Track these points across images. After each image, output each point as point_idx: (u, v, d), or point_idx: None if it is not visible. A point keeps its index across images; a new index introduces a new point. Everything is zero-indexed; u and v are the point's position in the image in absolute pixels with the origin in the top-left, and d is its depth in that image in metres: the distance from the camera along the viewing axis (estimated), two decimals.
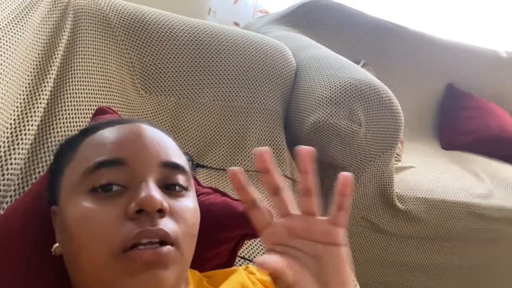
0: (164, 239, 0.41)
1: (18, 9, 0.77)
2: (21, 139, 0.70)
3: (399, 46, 1.88)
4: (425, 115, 1.91)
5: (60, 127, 0.78)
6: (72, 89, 0.84)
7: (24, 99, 0.74)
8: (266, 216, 0.42)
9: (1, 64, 0.67)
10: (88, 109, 0.85)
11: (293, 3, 1.86)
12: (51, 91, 0.80)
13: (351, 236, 1.28)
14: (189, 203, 0.47)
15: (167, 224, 0.42)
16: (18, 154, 0.68)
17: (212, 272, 0.57)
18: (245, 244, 0.79)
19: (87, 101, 0.86)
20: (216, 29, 1.14)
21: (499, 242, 1.46)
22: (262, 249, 0.80)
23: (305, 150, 0.41)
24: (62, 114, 0.79)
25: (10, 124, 0.69)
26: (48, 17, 0.86)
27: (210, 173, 1.01)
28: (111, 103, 0.92)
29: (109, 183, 0.43)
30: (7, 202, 0.64)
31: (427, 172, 1.46)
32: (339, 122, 1.05)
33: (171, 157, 0.48)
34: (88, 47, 0.92)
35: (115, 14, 1.01)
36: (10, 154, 0.67)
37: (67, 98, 0.82)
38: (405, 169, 1.42)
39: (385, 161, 1.17)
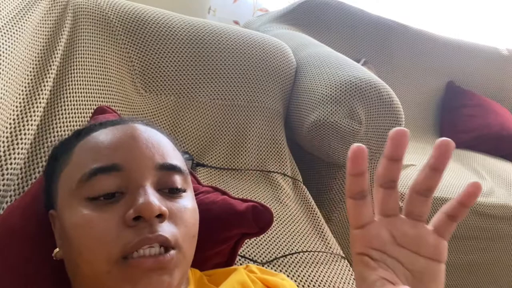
0: (165, 244, 0.41)
1: (17, 8, 0.76)
2: (21, 138, 0.70)
3: (399, 44, 1.87)
4: (426, 113, 1.91)
5: (60, 127, 0.78)
6: (72, 89, 0.84)
7: (23, 98, 0.73)
8: (371, 212, 0.35)
9: (1, 64, 0.67)
10: (88, 109, 0.85)
11: (293, 1, 1.85)
12: (50, 91, 0.80)
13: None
14: (187, 204, 0.47)
15: (166, 229, 0.42)
16: (18, 153, 0.68)
17: (213, 271, 0.57)
18: (245, 243, 0.79)
19: (87, 101, 0.86)
20: (216, 28, 1.13)
21: (500, 240, 1.46)
22: (262, 249, 0.80)
23: (446, 142, 0.33)
24: (62, 114, 0.79)
25: (10, 123, 0.69)
26: (48, 16, 0.86)
27: (210, 172, 1.01)
28: (111, 102, 0.92)
29: (106, 193, 0.43)
30: (7, 202, 0.64)
31: None
32: (340, 120, 1.05)
33: (166, 158, 0.47)
34: (88, 46, 0.92)
35: (114, 13, 1.00)
36: (10, 154, 0.67)
37: (67, 97, 0.82)
38: (406, 168, 1.42)
39: None
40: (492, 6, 2.36)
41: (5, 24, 0.71)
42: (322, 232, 0.92)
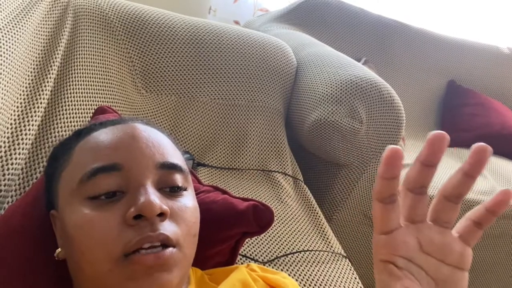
0: (166, 243, 0.41)
1: (18, 9, 0.77)
2: (22, 139, 0.70)
3: (400, 43, 1.87)
4: (427, 112, 1.91)
5: (61, 127, 0.78)
6: (73, 89, 0.84)
7: (24, 99, 0.74)
8: (398, 217, 0.33)
9: (1, 64, 0.67)
10: (89, 109, 0.85)
11: (293, 1, 1.85)
12: (51, 91, 0.80)
13: (353, 234, 1.28)
14: (188, 202, 0.47)
15: (167, 228, 0.42)
16: (19, 154, 0.68)
17: (213, 269, 0.57)
18: (246, 243, 0.79)
19: (88, 101, 0.86)
20: (216, 28, 1.14)
21: (501, 238, 1.46)
22: (263, 248, 0.80)
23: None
24: (63, 114, 0.79)
25: (11, 124, 0.69)
26: (48, 17, 0.86)
27: (211, 172, 1.01)
28: (112, 102, 0.92)
29: (108, 191, 0.43)
30: (8, 202, 0.64)
31: None
32: (340, 119, 1.05)
33: (167, 157, 0.47)
34: (88, 47, 0.92)
35: (115, 13, 1.01)
36: (11, 154, 0.67)
37: (68, 97, 0.82)
38: (406, 167, 1.42)
39: None
40: (493, 5, 2.36)
41: (6, 24, 0.71)
42: (323, 231, 0.92)
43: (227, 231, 0.60)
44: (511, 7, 2.39)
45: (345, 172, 1.16)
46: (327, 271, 0.80)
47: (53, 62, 0.83)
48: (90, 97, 0.87)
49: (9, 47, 0.70)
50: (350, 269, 0.84)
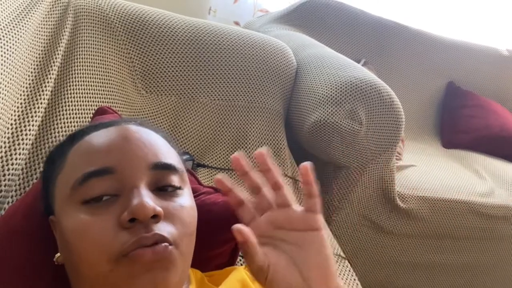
0: (161, 242, 0.41)
1: (18, 9, 0.77)
2: (22, 139, 0.70)
3: (399, 45, 1.87)
4: (426, 114, 1.91)
5: (61, 127, 0.78)
6: (73, 89, 0.84)
7: (25, 99, 0.74)
8: (252, 210, 0.44)
9: (2, 64, 0.67)
10: (89, 109, 0.85)
11: (293, 2, 1.86)
12: (51, 91, 0.80)
13: (352, 235, 1.28)
14: (184, 202, 0.46)
15: (162, 228, 0.42)
16: (19, 154, 0.68)
17: (213, 272, 0.57)
18: None
19: (88, 101, 0.86)
20: (216, 29, 1.14)
21: (500, 240, 1.46)
22: None
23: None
24: (63, 114, 0.79)
25: (11, 124, 0.69)
26: (49, 17, 0.86)
27: (211, 173, 1.01)
28: (112, 103, 0.93)
29: (100, 195, 0.43)
30: (8, 203, 0.64)
31: (428, 171, 1.46)
32: (340, 121, 1.05)
33: (160, 157, 0.47)
34: (89, 47, 0.92)
35: (115, 14, 1.01)
36: (11, 154, 0.67)
37: (68, 98, 0.82)
38: (406, 168, 1.42)
39: (386, 160, 1.16)
40: (492, 7, 2.36)
41: (6, 25, 0.71)
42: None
43: (227, 232, 0.59)
44: (510, 9, 2.39)
45: (344, 173, 1.17)
46: None
47: (54, 62, 0.83)
48: (90, 97, 0.87)
49: (10, 47, 0.70)
50: (349, 271, 0.84)
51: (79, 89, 0.85)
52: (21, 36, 0.74)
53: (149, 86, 1.03)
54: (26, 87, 0.75)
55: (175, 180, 0.47)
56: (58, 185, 0.47)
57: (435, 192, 1.33)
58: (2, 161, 0.65)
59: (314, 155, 1.16)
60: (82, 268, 0.43)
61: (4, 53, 0.68)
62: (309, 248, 0.42)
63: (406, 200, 1.28)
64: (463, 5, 2.32)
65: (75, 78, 0.86)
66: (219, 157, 1.06)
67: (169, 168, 0.47)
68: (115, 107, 0.93)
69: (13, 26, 0.73)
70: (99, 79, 0.91)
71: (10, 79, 0.69)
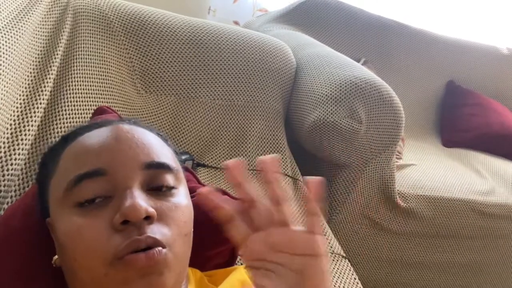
0: (155, 246, 0.41)
1: (17, 9, 0.77)
2: (22, 139, 0.70)
3: (399, 44, 1.87)
4: (426, 113, 1.91)
5: (61, 127, 0.78)
6: (72, 89, 0.84)
7: (24, 99, 0.74)
8: (244, 227, 0.39)
9: (1, 65, 0.67)
10: (88, 109, 0.85)
11: (293, 1, 1.85)
12: (51, 91, 0.80)
13: (352, 234, 1.28)
14: (179, 201, 0.46)
15: (155, 230, 0.41)
16: (19, 154, 0.68)
17: (213, 271, 0.57)
18: None
19: (87, 101, 0.86)
20: (216, 28, 1.14)
21: (501, 239, 1.46)
22: None
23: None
24: (62, 114, 0.79)
25: (10, 124, 0.69)
26: (48, 17, 0.86)
27: (211, 172, 1.01)
28: (111, 103, 0.92)
29: (93, 197, 0.43)
30: (7, 203, 0.64)
31: (429, 170, 1.46)
32: (340, 120, 1.05)
33: (153, 157, 0.46)
34: (88, 47, 0.92)
35: (114, 14, 1.01)
36: (10, 155, 0.67)
37: (67, 98, 0.82)
38: (406, 167, 1.42)
39: (386, 158, 1.16)
40: (492, 5, 2.36)
41: (5, 25, 0.71)
42: (323, 231, 0.92)
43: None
44: (510, 7, 2.39)
45: (344, 172, 1.17)
46: None
47: (53, 62, 0.83)
48: (89, 97, 0.87)
49: (9, 47, 0.70)
50: (350, 270, 0.84)
51: (78, 89, 0.85)
52: (20, 37, 0.74)
53: (148, 86, 1.03)
54: (25, 87, 0.75)
55: (169, 179, 0.46)
56: (52, 187, 0.47)
57: (435, 191, 1.33)
58: (1, 162, 0.65)
59: (314, 154, 1.16)
60: (77, 271, 0.43)
61: (3, 53, 0.68)
62: (309, 276, 0.37)
63: (407, 199, 1.28)
64: (462, 3, 2.32)
65: (74, 78, 0.85)
66: (219, 156, 1.06)
67: (162, 168, 0.46)
68: (114, 107, 0.92)
69: (12, 27, 0.73)
70: (99, 79, 0.91)
71: (9, 80, 0.69)
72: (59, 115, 0.79)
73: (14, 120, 0.70)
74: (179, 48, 1.07)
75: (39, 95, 0.76)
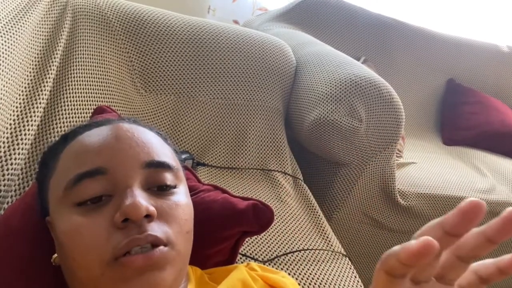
0: (155, 243, 0.41)
1: (16, 9, 0.77)
2: (21, 139, 0.70)
3: (399, 42, 1.87)
4: (426, 111, 1.91)
5: (60, 127, 0.78)
6: (72, 89, 0.84)
7: (23, 99, 0.74)
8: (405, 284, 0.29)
9: (1, 65, 0.67)
10: (88, 109, 0.85)
11: (292, 0, 1.85)
12: (50, 91, 0.80)
13: (352, 232, 1.28)
14: (179, 200, 0.46)
15: (155, 228, 0.41)
16: (19, 154, 0.68)
17: (213, 269, 0.57)
18: (246, 242, 0.79)
19: (87, 101, 0.86)
20: (215, 27, 1.13)
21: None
22: (263, 247, 0.80)
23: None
24: (62, 114, 0.79)
25: (10, 124, 0.69)
26: (47, 17, 0.86)
27: (211, 171, 1.01)
28: (111, 102, 0.92)
29: (93, 196, 0.43)
30: (7, 202, 0.64)
31: (429, 168, 1.46)
32: (340, 118, 1.05)
33: (153, 156, 0.46)
34: (87, 47, 0.92)
35: (114, 13, 1.00)
36: (10, 154, 0.67)
37: (67, 97, 0.82)
38: (406, 165, 1.42)
39: (386, 157, 1.16)
40: (492, 3, 2.36)
41: (4, 25, 0.71)
42: (323, 230, 0.92)
43: (227, 230, 0.60)
44: (510, 5, 2.39)
45: (344, 171, 1.16)
46: (327, 270, 0.80)
47: (52, 62, 0.83)
48: (89, 97, 0.87)
49: (8, 47, 0.70)
50: (350, 268, 0.84)
51: (78, 88, 0.85)
52: (19, 36, 0.74)
53: (148, 85, 1.03)
54: (25, 87, 0.75)
55: (169, 178, 0.46)
56: (51, 186, 0.47)
57: (435, 189, 1.33)
58: (1, 162, 0.65)
59: (314, 153, 1.16)
60: (75, 270, 0.43)
61: (2, 53, 0.68)
62: None
63: (407, 197, 1.28)
64: (463, 1, 2.31)
65: (74, 78, 0.85)
66: (219, 155, 1.06)
67: (162, 166, 0.46)
68: (114, 106, 0.92)
69: (11, 26, 0.73)
70: (98, 78, 0.91)
71: (9, 80, 0.69)
72: (59, 114, 0.79)
73: (14, 120, 0.70)
74: (179, 47, 1.07)
75: (38, 95, 0.77)
